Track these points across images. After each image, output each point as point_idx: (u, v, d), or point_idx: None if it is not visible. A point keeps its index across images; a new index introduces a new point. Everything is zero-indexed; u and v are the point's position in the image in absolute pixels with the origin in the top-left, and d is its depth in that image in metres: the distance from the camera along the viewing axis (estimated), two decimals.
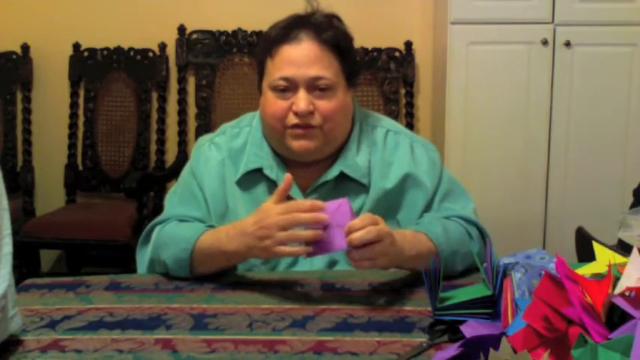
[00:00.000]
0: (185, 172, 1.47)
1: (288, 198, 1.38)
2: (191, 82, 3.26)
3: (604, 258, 0.93)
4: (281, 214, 1.16)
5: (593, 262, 0.93)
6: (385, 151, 1.42)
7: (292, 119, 1.33)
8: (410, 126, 3.13)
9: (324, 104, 1.33)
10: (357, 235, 1.13)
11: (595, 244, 0.97)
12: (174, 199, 1.45)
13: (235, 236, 1.23)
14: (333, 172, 1.38)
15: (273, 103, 1.34)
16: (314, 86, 1.32)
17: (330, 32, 1.34)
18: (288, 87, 1.33)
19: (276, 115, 1.34)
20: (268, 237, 1.17)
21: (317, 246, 1.16)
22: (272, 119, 1.35)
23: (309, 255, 1.17)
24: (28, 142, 3.30)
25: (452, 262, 1.30)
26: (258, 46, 1.41)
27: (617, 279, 0.81)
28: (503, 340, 0.83)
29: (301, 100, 1.31)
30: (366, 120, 1.45)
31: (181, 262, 1.29)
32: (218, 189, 1.41)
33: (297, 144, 1.34)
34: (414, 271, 1.28)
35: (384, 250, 1.16)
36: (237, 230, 1.23)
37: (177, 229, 1.35)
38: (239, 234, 1.23)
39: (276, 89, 1.34)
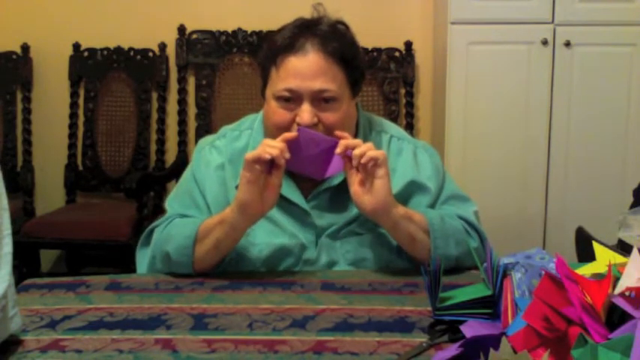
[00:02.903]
0: (186, 176, 1.46)
1: (291, 204, 1.38)
2: (191, 82, 3.26)
3: (604, 258, 0.93)
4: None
5: (593, 262, 0.93)
6: (389, 158, 1.42)
7: (296, 130, 1.32)
8: (410, 126, 3.14)
9: (329, 116, 1.32)
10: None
11: (595, 244, 0.97)
12: (175, 203, 1.44)
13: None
14: (336, 179, 1.38)
15: (277, 112, 1.34)
16: (318, 98, 1.32)
17: (335, 43, 1.33)
18: (293, 98, 1.32)
19: (280, 125, 1.33)
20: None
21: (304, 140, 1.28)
22: (275, 129, 1.34)
23: (291, 165, 1.28)
24: (28, 142, 3.30)
25: (446, 244, 1.31)
26: (263, 51, 1.40)
27: (617, 279, 0.81)
28: (503, 340, 0.83)
29: (305, 112, 1.31)
30: (370, 126, 1.45)
31: (184, 250, 1.30)
32: (219, 193, 1.41)
33: None
34: (400, 239, 1.32)
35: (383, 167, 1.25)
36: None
37: (180, 222, 1.38)
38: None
39: (280, 99, 1.33)
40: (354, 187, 1.28)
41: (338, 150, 1.26)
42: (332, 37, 1.33)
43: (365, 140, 1.41)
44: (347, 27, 1.39)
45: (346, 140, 1.27)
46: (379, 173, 1.25)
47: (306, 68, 1.31)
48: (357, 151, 1.25)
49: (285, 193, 1.38)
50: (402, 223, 1.30)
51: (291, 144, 1.27)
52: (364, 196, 1.27)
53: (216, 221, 1.30)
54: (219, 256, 1.32)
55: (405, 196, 1.40)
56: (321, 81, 1.31)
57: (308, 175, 1.34)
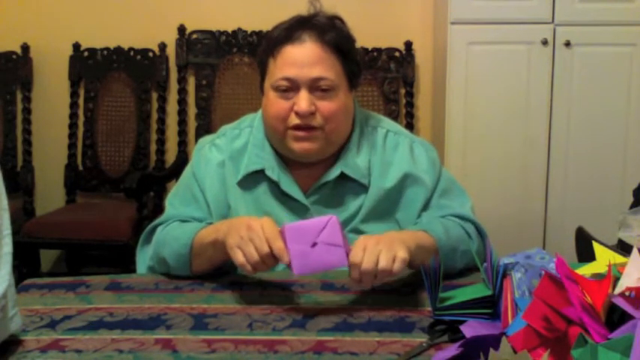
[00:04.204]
0: (186, 174, 1.47)
1: (291, 199, 1.39)
2: (191, 82, 3.26)
3: (604, 258, 0.93)
4: (266, 234, 1.14)
5: (593, 262, 0.93)
6: (385, 152, 1.42)
7: (294, 119, 1.33)
8: (410, 126, 3.14)
9: (326, 105, 1.33)
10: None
11: (595, 244, 0.97)
12: (176, 200, 1.45)
13: (227, 223, 1.25)
14: (333, 173, 1.38)
15: (275, 103, 1.34)
16: (316, 87, 1.32)
17: (332, 34, 1.34)
18: (290, 87, 1.33)
19: (278, 115, 1.34)
20: (242, 237, 1.16)
21: (307, 263, 1.13)
22: (274, 119, 1.35)
23: (301, 272, 1.14)
24: (28, 142, 3.30)
25: (452, 258, 1.30)
26: (261, 46, 1.41)
27: (617, 279, 0.81)
28: (503, 340, 0.83)
29: (303, 100, 1.31)
30: (367, 121, 1.45)
31: (181, 258, 1.30)
32: (219, 190, 1.41)
33: (299, 146, 1.35)
34: (415, 269, 1.28)
35: (373, 247, 1.14)
36: (233, 220, 1.25)
37: (178, 228, 1.36)
38: (230, 222, 1.24)
39: (278, 89, 1.34)
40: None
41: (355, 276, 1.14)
42: (329, 29, 1.35)
43: (361, 135, 1.41)
44: (343, 22, 1.40)
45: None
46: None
47: (303, 56, 1.32)
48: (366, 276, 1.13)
49: (284, 188, 1.38)
50: (416, 258, 1.22)
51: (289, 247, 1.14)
52: None
53: (208, 241, 1.27)
54: (215, 267, 1.31)
55: (399, 189, 1.40)
56: (319, 69, 1.32)
57: (331, 268, 1.18)
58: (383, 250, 1.14)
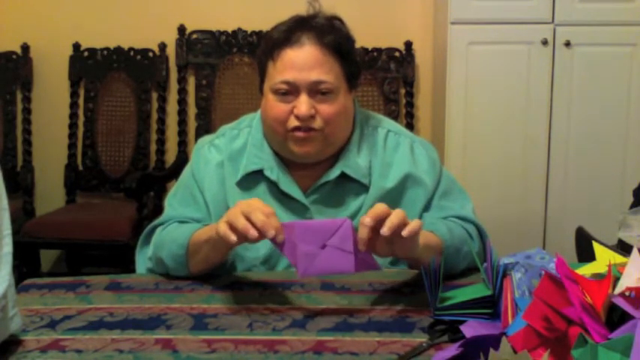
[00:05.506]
0: (185, 175, 1.47)
1: (290, 199, 1.39)
2: (191, 82, 3.26)
3: (604, 258, 0.93)
4: (262, 210, 1.14)
5: (593, 262, 0.94)
6: (385, 152, 1.42)
7: (293, 122, 1.33)
8: (410, 126, 3.14)
9: (326, 108, 1.33)
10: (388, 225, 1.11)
11: (595, 244, 0.97)
12: (175, 201, 1.45)
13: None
14: (334, 173, 1.38)
15: (275, 106, 1.34)
16: (315, 90, 1.32)
17: (331, 36, 1.34)
18: (290, 90, 1.32)
19: (278, 118, 1.34)
20: (232, 212, 1.15)
21: (313, 265, 1.12)
22: (273, 122, 1.35)
23: (304, 274, 1.14)
24: (28, 142, 3.30)
25: (455, 259, 1.30)
26: (260, 48, 1.41)
27: (617, 279, 0.81)
28: (503, 340, 0.83)
29: (302, 104, 1.31)
30: (367, 122, 1.45)
31: (178, 259, 1.30)
32: (218, 191, 1.41)
33: (299, 148, 1.35)
34: (416, 269, 1.28)
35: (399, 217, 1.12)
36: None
37: (176, 229, 1.36)
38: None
39: (277, 92, 1.33)
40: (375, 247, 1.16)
41: (368, 220, 1.10)
42: (328, 30, 1.34)
43: (361, 135, 1.41)
44: (342, 22, 1.40)
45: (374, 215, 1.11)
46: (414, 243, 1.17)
47: (302, 60, 1.32)
48: (390, 224, 1.10)
49: (284, 188, 1.38)
50: (422, 256, 1.22)
51: (298, 250, 1.12)
52: (386, 249, 1.17)
53: (204, 239, 1.26)
54: (213, 266, 1.31)
55: (400, 189, 1.40)
56: (318, 72, 1.32)
57: (337, 273, 1.19)
58: (395, 212, 1.12)
